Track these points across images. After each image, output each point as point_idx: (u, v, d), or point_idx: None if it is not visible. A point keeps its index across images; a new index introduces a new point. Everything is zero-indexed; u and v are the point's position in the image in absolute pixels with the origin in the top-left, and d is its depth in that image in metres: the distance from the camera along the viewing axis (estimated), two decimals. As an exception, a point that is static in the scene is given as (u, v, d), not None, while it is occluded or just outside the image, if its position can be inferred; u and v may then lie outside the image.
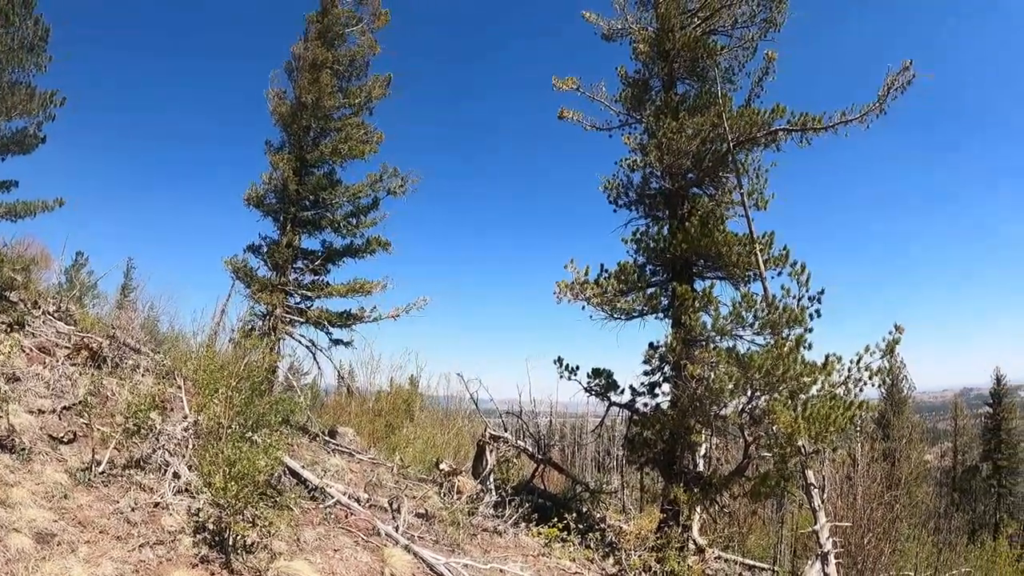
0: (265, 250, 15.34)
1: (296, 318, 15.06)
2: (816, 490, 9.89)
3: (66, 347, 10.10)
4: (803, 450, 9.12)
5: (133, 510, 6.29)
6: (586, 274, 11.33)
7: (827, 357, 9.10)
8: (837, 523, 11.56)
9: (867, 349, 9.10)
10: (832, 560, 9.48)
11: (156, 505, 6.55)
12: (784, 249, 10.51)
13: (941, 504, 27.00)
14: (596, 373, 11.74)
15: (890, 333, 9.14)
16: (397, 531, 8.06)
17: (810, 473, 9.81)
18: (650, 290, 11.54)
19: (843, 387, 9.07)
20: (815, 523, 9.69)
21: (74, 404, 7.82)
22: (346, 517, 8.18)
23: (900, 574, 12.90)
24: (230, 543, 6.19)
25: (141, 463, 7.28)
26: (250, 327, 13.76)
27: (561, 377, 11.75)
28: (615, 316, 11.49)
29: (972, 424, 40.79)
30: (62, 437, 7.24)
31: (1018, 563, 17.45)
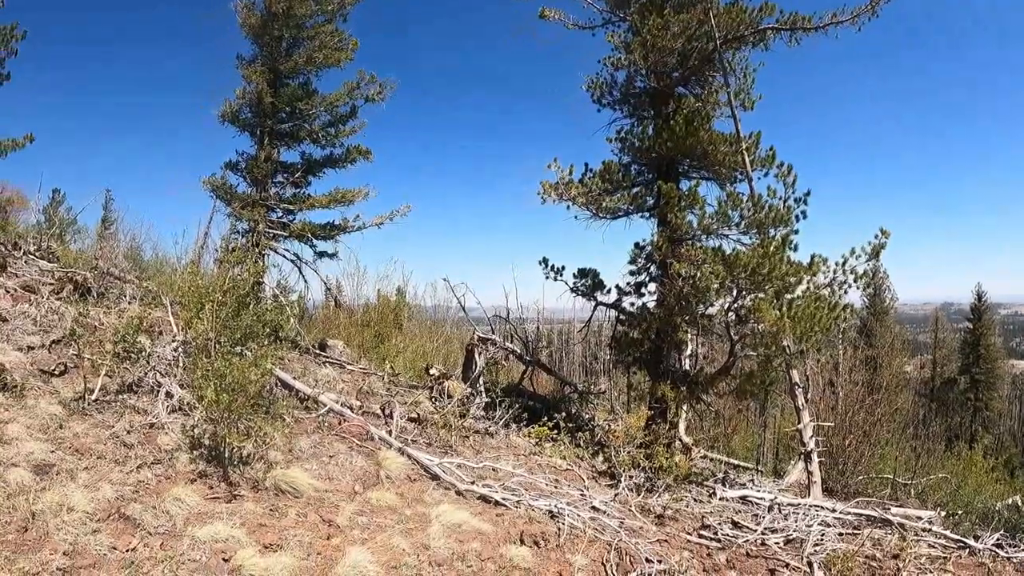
0: (244, 166, 15.09)
1: (279, 232, 14.95)
2: (800, 389, 10.11)
3: (50, 283, 10.00)
4: (788, 350, 9.27)
5: (129, 433, 6.37)
6: (570, 173, 11.13)
7: (813, 257, 9.10)
8: (820, 423, 11.92)
9: (852, 252, 9.09)
10: (815, 458, 9.80)
11: (151, 426, 6.64)
12: (770, 150, 10.35)
13: (920, 412, 27.71)
14: (582, 273, 11.74)
15: (876, 237, 9.09)
16: (391, 435, 8.23)
17: (794, 373, 10.02)
18: (635, 189, 11.43)
19: (828, 288, 9.11)
20: (799, 422, 9.96)
21: (63, 337, 7.80)
22: (339, 424, 8.34)
23: (879, 475, 13.38)
24: (226, 456, 6.31)
25: (134, 387, 7.34)
26: (234, 244, 13.64)
27: (547, 278, 11.74)
28: (600, 215, 11.37)
29: (952, 338, 41.74)
30: (53, 370, 7.25)
31: (992, 473, 18.26)
